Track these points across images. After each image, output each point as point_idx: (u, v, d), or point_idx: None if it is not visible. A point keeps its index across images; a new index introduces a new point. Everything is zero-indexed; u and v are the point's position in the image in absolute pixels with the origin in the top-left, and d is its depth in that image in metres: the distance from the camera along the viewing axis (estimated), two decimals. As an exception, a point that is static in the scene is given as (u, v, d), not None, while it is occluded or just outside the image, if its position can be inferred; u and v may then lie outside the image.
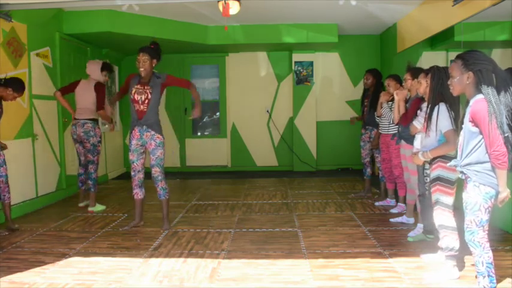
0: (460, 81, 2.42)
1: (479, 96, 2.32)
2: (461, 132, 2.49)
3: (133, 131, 4.14)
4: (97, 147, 4.99)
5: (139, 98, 4.06)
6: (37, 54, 5.34)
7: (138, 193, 4.25)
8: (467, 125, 2.39)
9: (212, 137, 8.54)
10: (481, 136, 2.34)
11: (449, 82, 2.54)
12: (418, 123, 3.43)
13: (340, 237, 3.87)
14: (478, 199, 2.37)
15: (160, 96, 4.17)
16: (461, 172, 2.47)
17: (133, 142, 4.14)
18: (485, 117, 2.26)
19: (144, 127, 4.09)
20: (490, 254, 2.40)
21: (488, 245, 2.40)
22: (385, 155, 4.82)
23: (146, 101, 4.07)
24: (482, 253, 2.38)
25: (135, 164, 4.18)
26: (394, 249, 3.51)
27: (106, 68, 5.16)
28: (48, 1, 4.48)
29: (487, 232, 2.41)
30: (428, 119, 2.98)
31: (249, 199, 5.65)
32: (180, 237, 3.98)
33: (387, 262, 3.23)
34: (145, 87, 4.07)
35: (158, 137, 4.14)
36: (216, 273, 3.09)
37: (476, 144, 2.36)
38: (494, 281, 2.39)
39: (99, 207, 5.05)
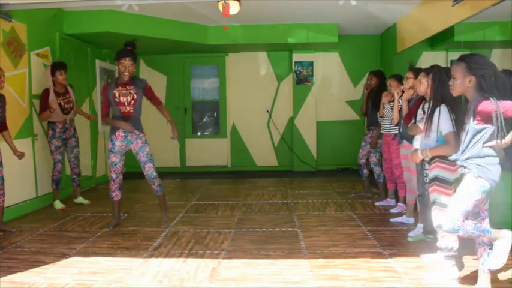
0: (461, 83, 2.49)
1: (482, 97, 2.38)
2: (463, 132, 2.53)
3: (116, 133, 4.07)
4: (49, 147, 5.16)
5: (125, 100, 4.05)
6: (37, 54, 5.34)
7: (118, 195, 4.28)
8: (471, 123, 2.44)
9: (212, 137, 8.54)
10: (482, 132, 2.41)
11: (450, 83, 2.59)
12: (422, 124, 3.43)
13: (340, 237, 3.87)
14: (471, 188, 2.43)
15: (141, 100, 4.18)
16: (462, 166, 2.52)
17: (117, 143, 4.09)
18: (501, 104, 2.32)
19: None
20: (471, 224, 2.44)
21: (466, 222, 2.44)
22: (386, 155, 4.82)
23: (132, 102, 4.07)
24: (470, 230, 2.43)
25: (117, 166, 4.15)
26: (394, 249, 3.51)
27: (57, 67, 5.05)
28: (48, 1, 4.48)
29: (463, 220, 2.44)
30: (429, 120, 2.98)
31: (249, 199, 5.65)
32: (180, 237, 3.97)
33: (387, 262, 3.24)
34: (128, 88, 4.08)
35: (143, 136, 4.16)
36: (216, 273, 3.09)
37: (478, 140, 2.43)
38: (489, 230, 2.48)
39: (56, 205, 5.19)
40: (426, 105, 3.40)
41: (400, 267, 3.13)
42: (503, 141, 2.39)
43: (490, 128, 2.41)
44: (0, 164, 4.14)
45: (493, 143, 2.42)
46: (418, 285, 2.82)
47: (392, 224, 4.28)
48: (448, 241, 2.89)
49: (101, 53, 7.22)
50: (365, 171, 5.53)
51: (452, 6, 4.58)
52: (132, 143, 4.11)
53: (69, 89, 5.26)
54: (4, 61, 4.65)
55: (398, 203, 4.80)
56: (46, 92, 5.04)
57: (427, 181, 3.33)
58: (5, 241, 3.89)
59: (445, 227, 2.49)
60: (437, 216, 2.94)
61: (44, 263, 3.31)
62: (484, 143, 2.43)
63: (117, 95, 4.05)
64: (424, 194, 3.52)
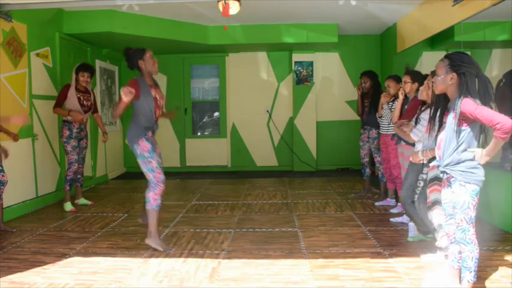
0: (443, 80, 2.46)
1: (465, 97, 2.35)
2: (441, 133, 2.51)
3: (147, 134, 3.60)
4: (64, 148, 5.11)
5: (159, 102, 3.70)
6: (37, 54, 5.34)
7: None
8: (450, 124, 2.41)
9: (212, 137, 8.54)
10: (462, 135, 2.38)
11: (433, 80, 2.58)
12: (415, 135, 3.40)
13: (340, 237, 3.87)
14: (466, 198, 2.42)
15: None
16: (444, 172, 2.51)
17: (153, 143, 3.63)
18: (476, 105, 2.29)
19: (155, 131, 3.71)
20: (478, 250, 2.46)
21: (476, 241, 2.45)
22: (384, 155, 4.83)
23: (163, 103, 3.79)
24: (474, 249, 2.44)
25: (162, 166, 3.67)
26: (394, 249, 3.51)
27: (81, 68, 5.13)
28: (48, 1, 4.48)
29: (475, 228, 2.46)
30: (433, 119, 2.97)
31: (249, 199, 5.65)
32: (180, 237, 3.97)
33: (387, 262, 3.24)
34: (158, 90, 3.76)
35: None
36: (216, 273, 3.09)
37: (457, 144, 2.40)
38: (476, 275, 2.47)
39: (66, 206, 5.08)
40: (424, 113, 3.39)
41: (400, 267, 3.13)
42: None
43: (469, 131, 2.38)
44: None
45: (477, 149, 2.39)
46: (418, 285, 2.82)
47: (392, 224, 4.28)
48: (447, 241, 2.89)
49: (101, 53, 7.22)
50: (367, 170, 5.53)
51: (452, 6, 4.58)
52: (156, 144, 3.71)
53: (91, 92, 5.31)
54: (4, 61, 4.65)
55: (398, 203, 4.80)
56: (67, 87, 5.09)
57: (421, 185, 3.34)
58: (5, 241, 3.89)
59: (457, 237, 2.49)
60: (437, 216, 2.95)
61: (44, 263, 3.31)
62: (465, 147, 2.38)
63: (158, 97, 3.66)
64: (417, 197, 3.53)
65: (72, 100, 5.04)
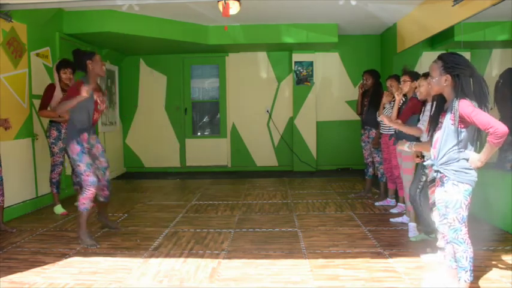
0: (438, 82, 2.47)
1: (462, 98, 2.35)
2: (436, 133, 2.52)
3: (81, 136, 3.72)
4: (50, 149, 4.89)
5: (100, 107, 3.80)
6: (37, 54, 5.34)
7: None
8: (448, 125, 2.41)
9: (212, 137, 8.54)
10: (458, 135, 2.38)
11: (427, 81, 2.59)
12: (422, 125, 3.43)
13: (340, 237, 3.87)
14: (458, 197, 2.42)
15: None
16: (437, 171, 2.51)
17: (85, 145, 3.75)
18: (473, 108, 2.30)
19: (92, 131, 3.84)
20: (472, 249, 2.47)
21: (469, 240, 2.46)
22: (385, 155, 4.83)
23: (104, 108, 3.89)
24: (467, 248, 2.45)
25: (93, 166, 3.77)
26: (394, 249, 3.51)
27: (62, 65, 4.89)
28: (48, 1, 4.48)
29: (467, 228, 2.47)
30: (433, 118, 2.98)
31: (249, 199, 5.65)
32: (180, 237, 3.98)
33: (387, 262, 3.24)
34: (101, 94, 3.84)
35: (99, 141, 3.96)
36: (216, 273, 3.09)
37: (454, 145, 2.41)
38: (472, 274, 2.48)
39: (57, 209, 4.92)
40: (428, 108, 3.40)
41: (400, 267, 3.13)
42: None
43: (465, 132, 2.39)
44: None
45: (471, 152, 2.40)
46: (418, 285, 2.82)
47: (392, 224, 4.28)
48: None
49: (101, 53, 7.21)
50: (370, 169, 5.54)
51: (452, 6, 4.58)
52: (94, 146, 3.87)
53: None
54: (4, 61, 4.65)
55: (398, 203, 4.80)
56: (51, 87, 4.86)
57: (423, 180, 3.35)
58: (5, 241, 3.89)
59: (449, 237, 2.50)
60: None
61: (44, 263, 3.31)
62: (461, 147, 2.39)
63: (99, 100, 3.78)
64: (419, 195, 3.53)
65: (58, 102, 4.71)
